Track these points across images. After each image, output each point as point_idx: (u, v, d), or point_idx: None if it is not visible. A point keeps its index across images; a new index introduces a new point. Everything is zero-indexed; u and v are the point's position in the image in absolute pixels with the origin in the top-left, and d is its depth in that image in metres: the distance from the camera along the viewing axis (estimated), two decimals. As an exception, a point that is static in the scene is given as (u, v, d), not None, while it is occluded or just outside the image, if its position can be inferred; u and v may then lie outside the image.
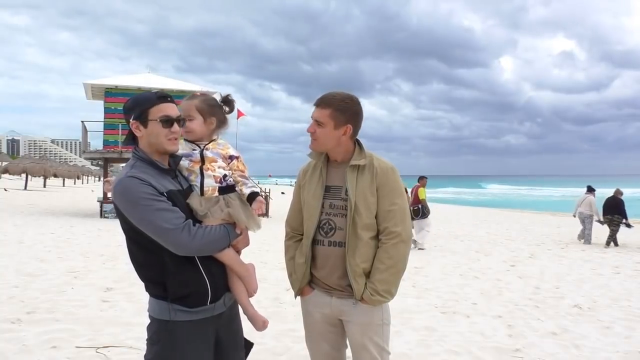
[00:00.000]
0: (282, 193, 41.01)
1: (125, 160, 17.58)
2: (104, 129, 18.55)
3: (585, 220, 13.66)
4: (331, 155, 2.41)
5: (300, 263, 2.44)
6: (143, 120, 1.97)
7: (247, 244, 2.16)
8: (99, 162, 24.18)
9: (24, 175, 37.30)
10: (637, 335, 5.09)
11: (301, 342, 4.01)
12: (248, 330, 2.24)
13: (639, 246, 13.04)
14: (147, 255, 1.95)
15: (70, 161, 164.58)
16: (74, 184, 54.54)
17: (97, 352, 4.03)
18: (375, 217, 2.35)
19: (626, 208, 13.44)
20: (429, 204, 11.96)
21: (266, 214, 18.86)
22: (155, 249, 1.91)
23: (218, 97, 2.26)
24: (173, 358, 1.94)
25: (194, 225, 1.94)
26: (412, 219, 11.63)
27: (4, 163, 42.65)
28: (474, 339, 4.81)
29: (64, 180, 48.91)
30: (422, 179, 12.26)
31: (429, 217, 11.73)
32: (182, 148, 2.11)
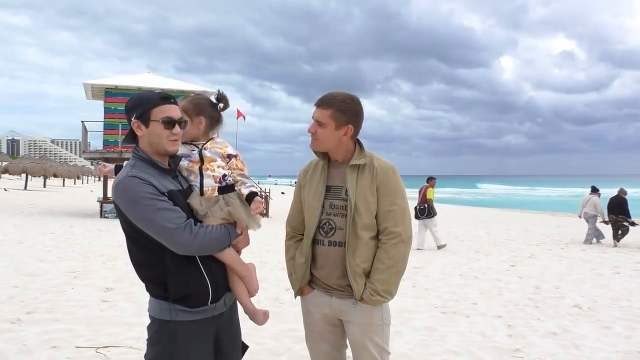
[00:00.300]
0: (282, 193, 41.02)
1: (125, 160, 17.59)
2: (104, 129, 18.55)
3: (589, 221, 13.68)
4: (332, 155, 2.41)
5: (300, 263, 2.44)
6: (145, 120, 1.97)
7: (247, 243, 2.16)
8: (99, 162, 24.19)
9: (24, 175, 37.31)
10: (637, 335, 5.09)
11: (301, 342, 4.01)
12: (247, 329, 2.24)
13: (639, 246, 13.05)
14: (147, 255, 1.95)
15: (70, 161, 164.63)
16: (74, 184, 54.54)
17: (97, 352, 4.03)
18: (376, 217, 2.35)
19: (629, 207, 13.46)
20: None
21: (266, 214, 18.87)
22: (156, 249, 1.91)
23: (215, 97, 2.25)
24: (174, 358, 1.94)
25: (195, 224, 1.94)
26: (417, 217, 11.66)
27: (4, 163, 42.66)
28: (474, 339, 4.81)
29: (64, 180, 48.92)
30: (431, 180, 12.34)
31: (435, 217, 11.77)
32: (181, 149, 2.11)
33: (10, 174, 38.44)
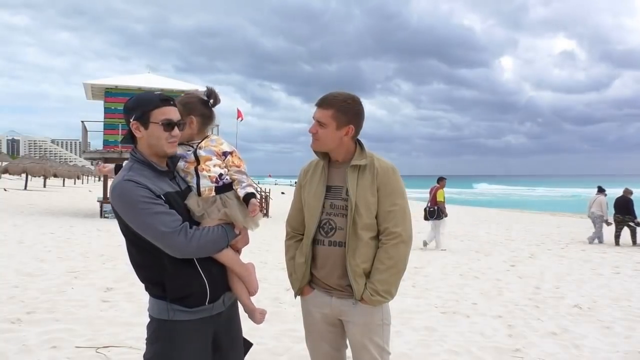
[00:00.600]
0: (282, 193, 41.02)
1: (125, 159, 17.61)
2: (104, 129, 18.56)
3: (595, 221, 13.68)
4: (332, 155, 2.41)
5: (300, 263, 2.44)
6: (144, 121, 1.96)
7: (246, 242, 2.15)
8: (99, 162, 24.19)
9: (24, 175, 37.31)
10: (637, 335, 5.09)
11: (301, 342, 4.00)
12: (247, 329, 2.24)
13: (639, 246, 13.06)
14: (145, 256, 1.95)
15: (70, 161, 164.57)
16: (74, 184, 54.53)
17: (97, 352, 4.03)
18: (376, 218, 2.35)
19: (635, 207, 13.46)
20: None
21: (266, 214, 18.87)
22: (154, 250, 1.91)
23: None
24: (172, 357, 1.94)
25: (191, 227, 1.93)
26: (426, 219, 11.62)
27: (4, 163, 42.65)
28: (474, 339, 4.81)
29: (64, 180, 48.92)
30: (441, 180, 12.01)
31: (445, 219, 11.72)
32: (178, 150, 2.10)
33: (10, 174, 38.45)
